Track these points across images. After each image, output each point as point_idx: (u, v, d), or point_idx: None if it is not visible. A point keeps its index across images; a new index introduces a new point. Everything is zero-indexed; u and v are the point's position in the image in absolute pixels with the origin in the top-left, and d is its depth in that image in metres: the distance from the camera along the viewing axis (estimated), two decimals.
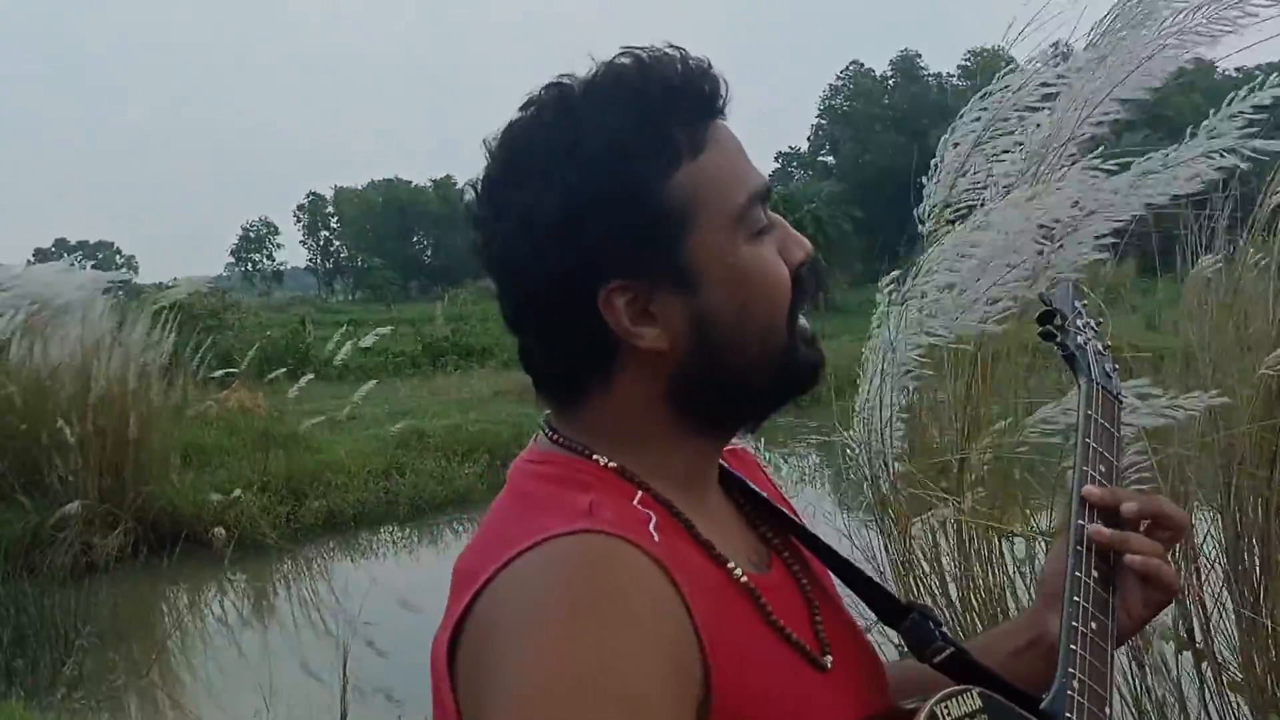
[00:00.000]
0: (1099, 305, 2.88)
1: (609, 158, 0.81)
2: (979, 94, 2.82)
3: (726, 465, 0.97)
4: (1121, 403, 1.10)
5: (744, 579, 0.84)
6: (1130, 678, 2.53)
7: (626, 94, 0.83)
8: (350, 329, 26.25)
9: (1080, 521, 0.98)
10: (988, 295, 2.58)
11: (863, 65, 71.53)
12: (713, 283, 0.84)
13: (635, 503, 0.83)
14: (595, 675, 0.70)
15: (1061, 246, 2.55)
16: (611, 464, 0.85)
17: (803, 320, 0.89)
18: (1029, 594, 2.68)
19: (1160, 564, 0.96)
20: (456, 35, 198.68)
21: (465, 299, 31.88)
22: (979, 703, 0.84)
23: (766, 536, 0.95)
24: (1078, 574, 0.95)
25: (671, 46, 0.86)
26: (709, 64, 0.86)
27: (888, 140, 58.91)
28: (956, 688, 0.84)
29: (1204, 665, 2.48)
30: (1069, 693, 0.89)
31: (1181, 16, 2.49)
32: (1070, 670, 0.90)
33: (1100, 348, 1.12)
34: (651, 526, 0.80)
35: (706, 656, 0.75)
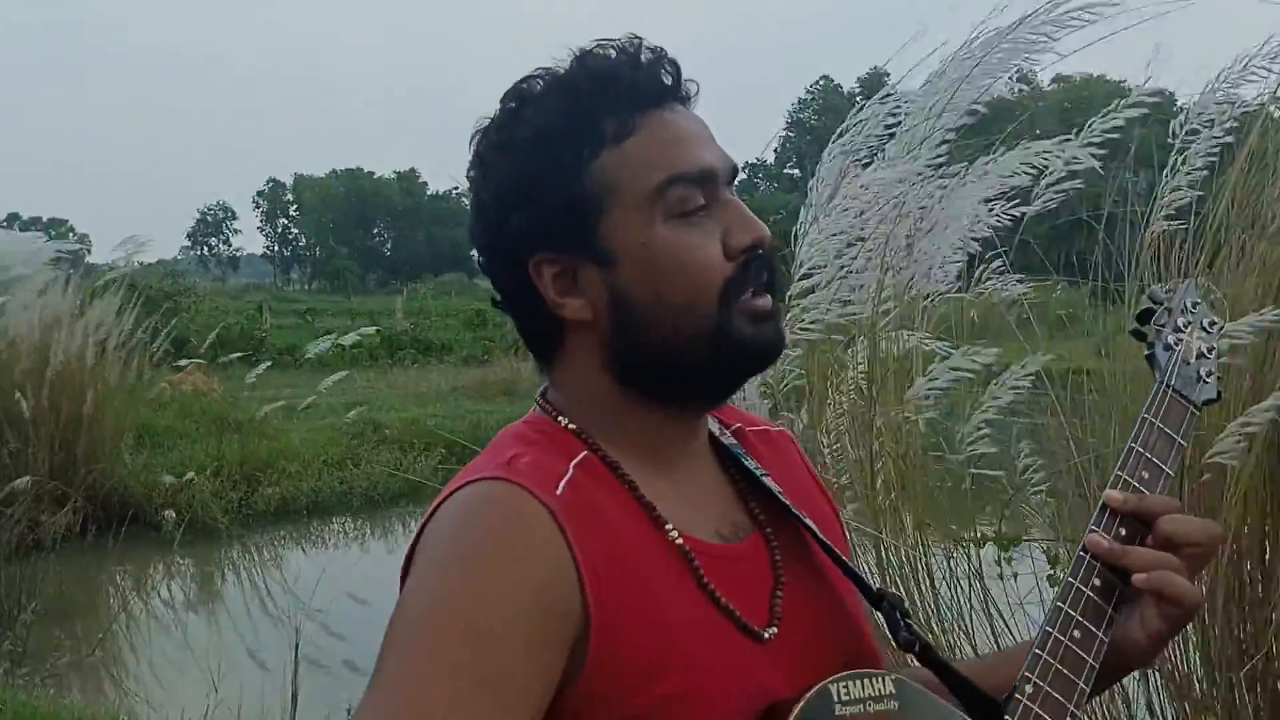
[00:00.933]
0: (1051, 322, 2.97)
1: (534, 147, 0.91)
2: (851, 115, 2.91)
3: (732, 442, 1.02)
4: (1198, 409, 1.04)
5: (679, 541, 0.90)
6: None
7: (561, 88, 0.92)
8: (308, 319, 26.04)
9: (1092, 527, 0.95)
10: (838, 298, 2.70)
11: (832, 80, 72.16)
12: (628, 260, 0.91)
13: (575, 461, 0.90)
14: (452, 604, 0.80)
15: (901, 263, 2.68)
16: (571, 425, 0.95)
17: (762, 299, 0.92)
18: (968, 601, 2.73)
19: (1170, 578, 0.91)
20: (428, 28, 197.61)
21: (426, 294, 31.72)
22: (891, 689, 0.87)
23: (754, 512, 0.99)
24: (1072, 580, 0.93)
25: (632, 39, 0.94)
26: (659, 55, 0.94)
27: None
28: (868, 670, 0.88)
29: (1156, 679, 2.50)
30: (1017, 696, 0.89)
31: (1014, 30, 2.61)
32: (1028, 675, 0.89)
33: (1204, 350, 1.07)
34: (563, 481, 0.87)
35: (588, 600, 0.83)
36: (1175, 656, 2.42)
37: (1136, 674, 2.45)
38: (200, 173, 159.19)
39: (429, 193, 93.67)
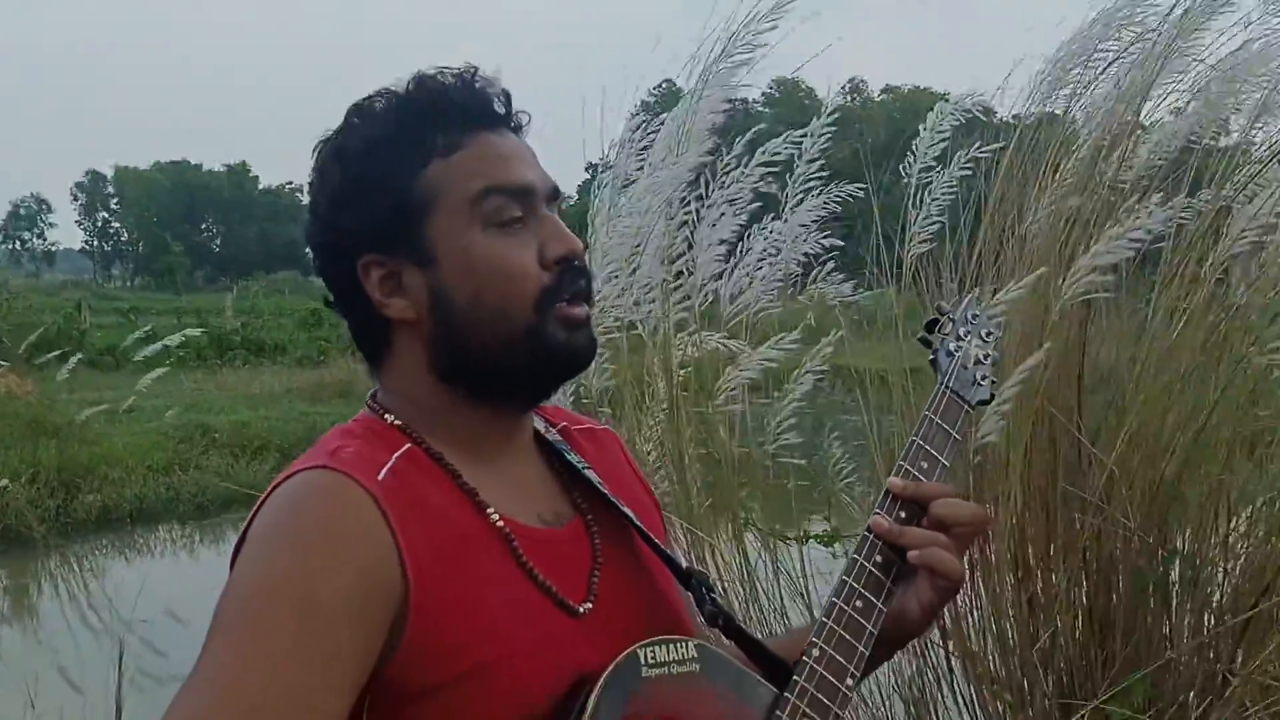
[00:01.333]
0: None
1: (368, 155, 0.98)
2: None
3: (557, 438, 1.09)
4: (972, 408, 1.16)
5: (500, 524, 0.97)
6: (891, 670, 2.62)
7: (396, 105, 1.00)
8: (131, 318, 24.85)
9: (876, 510, 1.06)
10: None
11: (674, 83, 72.98)
12: (449, 263, 0.97)
13: (398, 453, 0.96)
14: (279, 583, 0.86)
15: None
16: (396, 422, 1.00)
17: (578, 308, 1.00)
18: (779, 593, 2.86)
19: (938, 554, 1.01)
20: (261, 17, 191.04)
21: (258, 292, 30.71)
22: (694, 653, 0.96)
23: (577, 501, 1.06)
24: (856, 556, 1.03)
25: (469, 67, 1.03)
26: (492, 84, 1.03)
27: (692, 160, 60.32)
28: (674, 637, 0.97)
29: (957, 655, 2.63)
30: (804, 659, 0.99)
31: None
32: (814, 641, 0.99)
33: (981, 357, 1.18)
34: (385, 469, 0.93)
35: (409, 581, 0.89)
36: (971, 639, 2.61)
37: (930, 645, 2.63)
38: (11, 163, 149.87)
39: (260, 187, 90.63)
